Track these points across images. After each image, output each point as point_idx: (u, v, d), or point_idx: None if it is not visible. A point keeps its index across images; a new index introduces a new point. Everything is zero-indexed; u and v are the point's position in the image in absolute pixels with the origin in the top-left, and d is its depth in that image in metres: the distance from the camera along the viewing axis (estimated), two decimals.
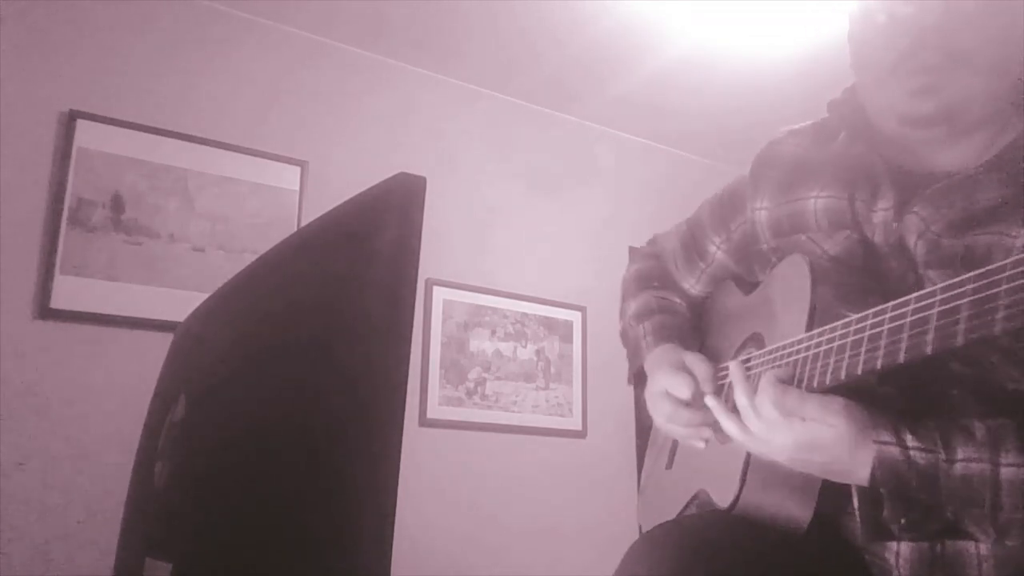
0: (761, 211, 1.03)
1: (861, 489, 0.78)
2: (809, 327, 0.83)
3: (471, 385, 2.93)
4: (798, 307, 0.87)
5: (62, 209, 2.30)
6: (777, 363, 0.87)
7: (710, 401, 0.92)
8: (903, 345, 0.68)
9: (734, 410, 0.86)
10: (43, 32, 2.39)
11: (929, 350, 0.66)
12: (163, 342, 1.16)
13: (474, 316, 2.99)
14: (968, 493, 0.72)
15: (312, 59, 2.86)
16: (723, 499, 0.90)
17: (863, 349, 0.73)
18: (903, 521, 0.75)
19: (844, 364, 0.75)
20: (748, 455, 0.87)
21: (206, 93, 2.63)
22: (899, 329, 0.69)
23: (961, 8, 0.82)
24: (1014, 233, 0.79)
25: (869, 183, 0.91)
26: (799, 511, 0.86)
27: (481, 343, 2.98)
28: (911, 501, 0.75)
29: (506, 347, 3.04)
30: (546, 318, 3.15)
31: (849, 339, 0.75)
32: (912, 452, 0.74)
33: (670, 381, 1.02)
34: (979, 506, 0.72)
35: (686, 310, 1.20)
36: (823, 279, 0.86)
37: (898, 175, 0.90)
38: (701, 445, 1.00)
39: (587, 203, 3.37)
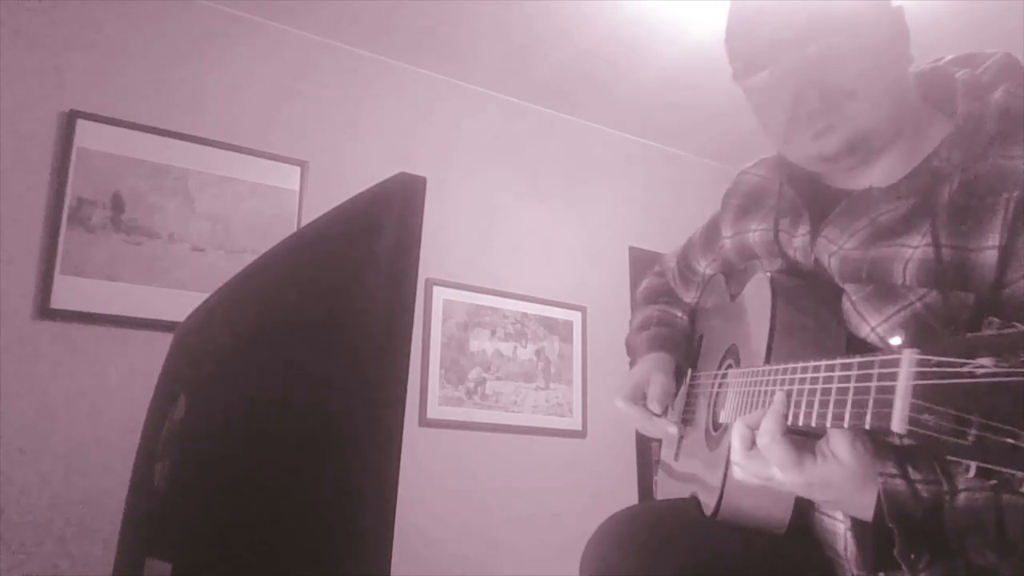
0: (727, 240, 1.16)
1: (859, 521, 0.78)
2: (770, 343, 0.89)
3: (471, 385, 2.93)
4: (763, 326, 0.92)
5: (62, 209, 2.30)
6: (753, 386, 0.87)
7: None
8: (869, 412, 0.65)
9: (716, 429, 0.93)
10: (43, 32, 2.39)
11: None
12: (163, 342, 1.16)
13: (474, 316, 2.99)
14: (972, 523, 0.72)
15: (311, 59, 2.86)
16: (708, 507, 0.95)
17: (832, 399, 0.70)
18: (913, 556, 0.74)
19: (829, 413, 0.71)
20: (727, 468, 0.88)
21: (206, 93, 2.63)
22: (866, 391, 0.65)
23: (830, 52, 0.87)
24: (914, 243, 0.84)
25: (792, 214, 1.02)
26: (779, 515, 0.90)
27: (481, 343, 2.98)
28: (918, 535, 0.74)
29: (506, 347, 3.04)
30: (546, 318, 3.15)
31: (819, 385, 0.72)
32: (918, 485, 0.74)
33: (628, 408, 1.19)
34: (983, 535, 0.71)
35: (685, 321, 1.34)
36: (782, 295, 0.93)
37: (816, 203, 0.98)
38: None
39: (587, 203, 3.37)
